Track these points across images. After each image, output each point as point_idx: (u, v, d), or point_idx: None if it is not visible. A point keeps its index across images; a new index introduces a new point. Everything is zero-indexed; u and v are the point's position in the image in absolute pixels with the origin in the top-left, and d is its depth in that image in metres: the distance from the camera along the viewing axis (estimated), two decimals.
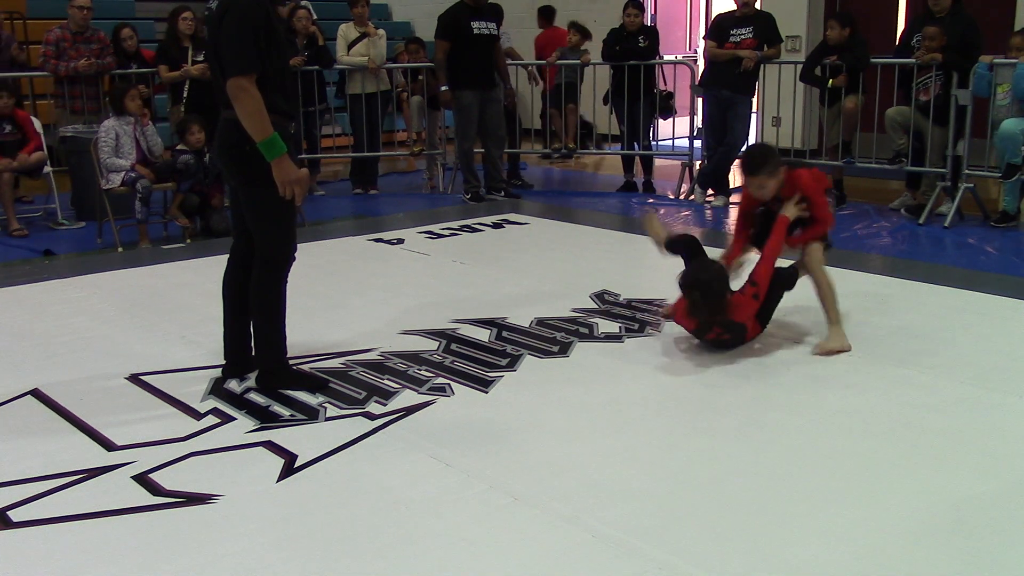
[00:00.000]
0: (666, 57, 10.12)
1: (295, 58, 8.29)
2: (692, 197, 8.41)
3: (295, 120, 3.81)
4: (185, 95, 7.95)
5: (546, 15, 11.17)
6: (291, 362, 3.94)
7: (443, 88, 8.30)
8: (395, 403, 3.69)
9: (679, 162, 9.02)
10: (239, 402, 3.74)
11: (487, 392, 3.81)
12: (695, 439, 3.38)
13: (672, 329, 4.54)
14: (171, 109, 8.38)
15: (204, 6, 7.64)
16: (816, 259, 4.34)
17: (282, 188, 3.57)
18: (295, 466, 3.18)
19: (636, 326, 4.61)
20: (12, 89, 7.65)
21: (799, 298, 4.44)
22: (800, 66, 8.13)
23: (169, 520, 2.85)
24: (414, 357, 4.19)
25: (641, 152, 9.04)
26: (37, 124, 7.58)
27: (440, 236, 6.68)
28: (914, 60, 7.31)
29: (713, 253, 4.49)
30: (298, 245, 3.85)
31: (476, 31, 8.08)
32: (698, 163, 8.61)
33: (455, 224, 7.11)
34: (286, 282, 3.82)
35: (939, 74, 7.22)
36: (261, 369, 3.88)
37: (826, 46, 7.82)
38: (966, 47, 7.09)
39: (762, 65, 8.13)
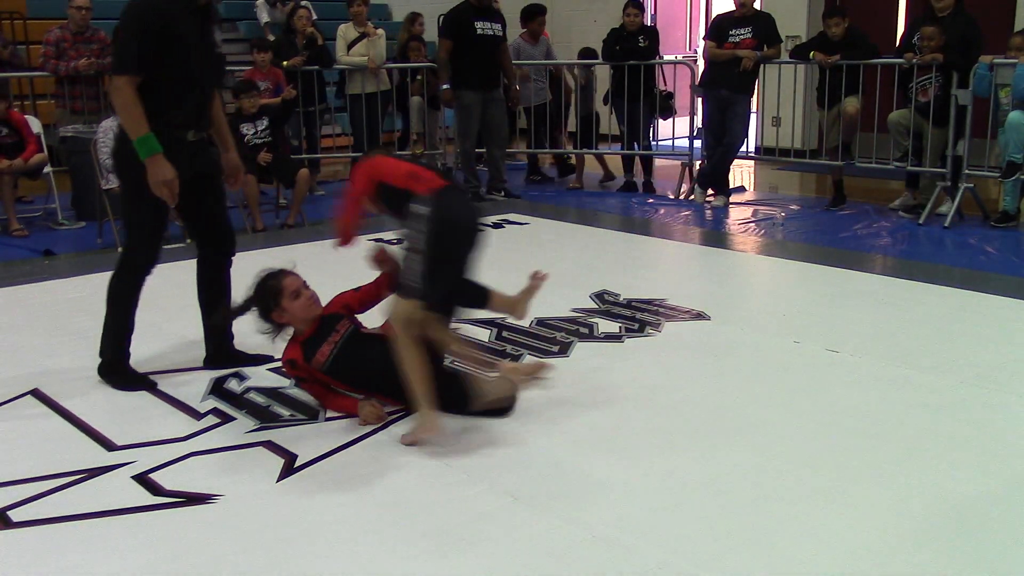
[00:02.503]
0: (666, 57, 10.12)
1: (295, 58, 8.29)
2: (692, 197, 8.41)
3: (198, 129, 3.76)
4: None
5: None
6: None
7: (444, 87, 8.30)
8: None
9: (679, 162, 9.02)
10: (239, 402, 3.74)
11: None
12: (694, 439, 3.38)
13: (672, 329, 4.54)
14: None
15: None
16: (398, 316, 3.36)
17: (154, 187, 3.60)
18: (295, 466, 3.18)
19: (636, 326, 4.60)
20: (4, 91, 7.63)
21: (799, 299, 4.43)
22: (799, 66, 8.13)
23: (169, 520, 2.85)
24: None
25: (641, 152, 9.04)
26: (37, 125, 7.58)
27: None
28: (913, 60, 7.29)
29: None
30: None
31: (480, 31, 8.08)
32: (698, 163, 8.62)
33: None
34: (142, 284, 3.86)
35: (937, 75, 7.22)
36: (102, 358, 3.94)
37: (828, 41, 7.80)
38: (967, 47, 7.08)
39: (762, 65, 8.13)
